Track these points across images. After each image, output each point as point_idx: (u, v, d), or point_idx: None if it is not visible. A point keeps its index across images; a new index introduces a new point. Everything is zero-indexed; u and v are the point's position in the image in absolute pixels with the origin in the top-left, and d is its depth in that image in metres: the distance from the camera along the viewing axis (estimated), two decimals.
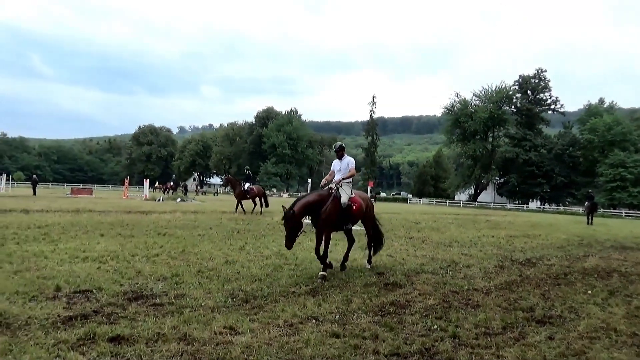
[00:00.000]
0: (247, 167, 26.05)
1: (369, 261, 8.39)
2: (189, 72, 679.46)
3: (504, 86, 69.45)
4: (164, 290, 5.88)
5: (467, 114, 68.46)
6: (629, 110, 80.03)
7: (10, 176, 52.17)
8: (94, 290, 5.73)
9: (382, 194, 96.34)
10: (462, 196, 76.90)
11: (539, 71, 71.07)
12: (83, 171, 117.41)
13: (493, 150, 70.00)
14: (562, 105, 71.80)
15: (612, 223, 32.07)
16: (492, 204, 66.78)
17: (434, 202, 72.93)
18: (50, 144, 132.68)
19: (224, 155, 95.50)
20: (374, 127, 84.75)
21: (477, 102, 70.64)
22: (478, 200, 71.71)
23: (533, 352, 4.27)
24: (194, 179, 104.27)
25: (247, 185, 21.04)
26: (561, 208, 60.21)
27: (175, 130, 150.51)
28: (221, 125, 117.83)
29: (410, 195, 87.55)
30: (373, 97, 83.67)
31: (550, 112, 72.86)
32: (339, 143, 8.05)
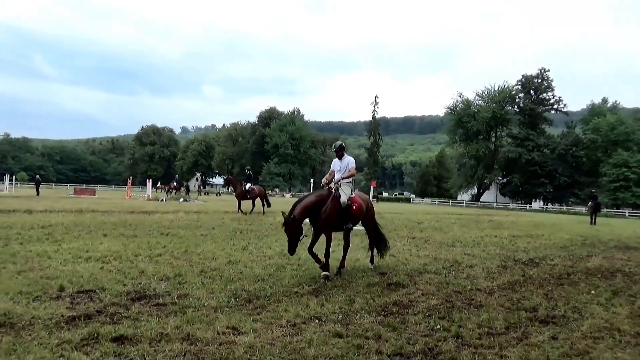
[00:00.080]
0: (248, 167, 26.09)
1: (372, 261, 8.38)
2: (191, 72, 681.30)
3: (506, 86, 69.32)
4: (167, 290, 5.89)
5: (469, 114, 68.34)
6: (632, 109, 79.70)
7: (14, 176, 52.37)
8: (97, 290, 5.75)
9: (385, 194, 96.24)
10: (464, 196, 76.79)
11: (542, 71, 70.92)
12: (86, 171, 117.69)
13: (496, 150, 69.86)
14: (565, 105, 71.60)
15: (616, 223, 31.97)
16: (494, 204, 66.64)
17: (436, 202, 72.90)
18: (53, 144, 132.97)
19: (226, 155, 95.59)
20: (377, 127, 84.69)
21: (480, 102, 70.55)
22: (481, 200, 71.59)
23: (536, 352, 4.26)
24: (197, 179, 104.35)
25: (248, 185, 21.07)
26: (564, 208, 60.08)
27: (177, 131, 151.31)
28: (224, 125, 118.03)
29: (412, 195, 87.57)
30: (375, 97, 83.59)
31: (553, 111, 72.62)
32: (338, 142, 8.02)
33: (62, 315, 4.67)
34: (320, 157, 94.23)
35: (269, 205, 21.80)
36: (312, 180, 43.00)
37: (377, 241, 8.47)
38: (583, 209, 48.88)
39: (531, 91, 70.70)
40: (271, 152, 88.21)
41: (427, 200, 77.57)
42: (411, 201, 77.46)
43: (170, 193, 42.00)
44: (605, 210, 48.03)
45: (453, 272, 8.20)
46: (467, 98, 71.45)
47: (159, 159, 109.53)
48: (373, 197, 17.83)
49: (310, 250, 7.09)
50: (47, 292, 5.54)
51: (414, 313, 5.41)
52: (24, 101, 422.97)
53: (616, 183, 56.08)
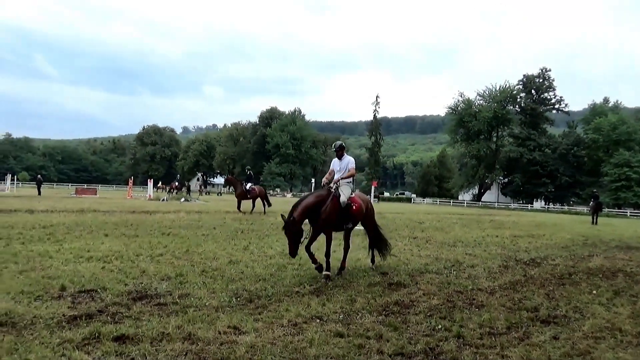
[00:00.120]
0: (249, 167, 26.12)
1: (372, 261, 8.37)
2: (192, 72, 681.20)
3: (508, 86, 69.28)
4: (168, 290, 5.89)
5: (471, 114, 68.31)
6: (634, 109, 79.50)
7: (15, 176, 52.48)
8: (98, 289, 5.76)
9: (386, 194, 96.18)
10: (466, 196, 76.75)
11: (543, 70, 70.87)
12: (87, 171, 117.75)
13: (497, 149, 69.81)
14: (566, 105, 71.57)
15: (617, 223, 31.95)
16: (496, 204, 66.60)
17: (437, 202, 72.85)
18: (55, 144, 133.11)
19: (227, 155, 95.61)
20: (378, 127, 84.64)
21: (481, 101, 70.54)
22: (482, 200, 71.55)
23: (538, 352, 4.26)
24: (198, 179, 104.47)
25: (248, 185, 21.09)
26: (566, 208, 60.07)
27: (179, 131, 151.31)
28: (225, 125, 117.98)
29: (414, 195, 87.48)
30: (377, 97, 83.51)
31: (554, 111, 72.60)
32: (338, 142, 7.99)
33: (63, 315, 4.68)
34: (322, 157, 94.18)
35: (269, 204, 21.84)
36: (313, 180, 42.98)
37: (377, 242, 8.44)
38: (584, 209, 48.86)
39: (532, 91, 70.64)
40: (272, 152, 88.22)
41: (428, 200, 77.52)
42: (412, 201, 77.41)
43: (172, 193, 42.04)
44: (606, 210, 48.01)
45: (454, 272, 8.20)
46: (469, 98, 71.49)
47: (160, 159, 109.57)
48: (374, 197, 17.82)
49: (307, 248, 7.05)
50: (48, 292, 5.55)
51: (415, 313, 5.41)
52: (26, 101, 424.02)
53: (618, 183, 56.03)
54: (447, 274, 7.97)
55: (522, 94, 70.88)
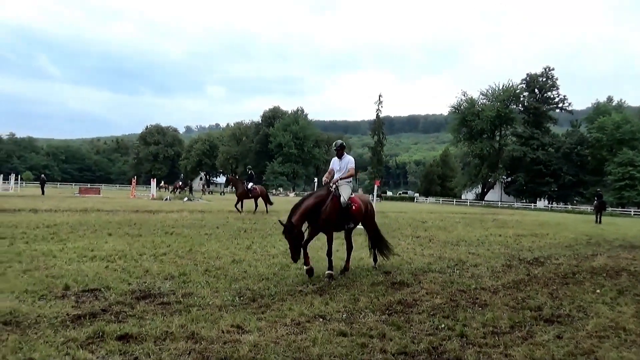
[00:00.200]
0: (250, 166, 26.10)
1: (375, 260, 8.34)
2: (195, 72, 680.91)
3: (511, 85, 69.16)
4: (171, 289, 5.91)
5: (474, 113, 68.18)
6: (637, 108, 79.38)
7: (19, 176, 52.58)
8: (102, 289, 5.77)
9: (389, 193, 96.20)
10: (469, 195, 76.64)
11: (547, 69, 70.65)
12: (91, 171, 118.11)
13: (500, 149, 69.67)
14: (570, 104, 71.35)
15: (621, 222, 31.85)
16: (499, 203, 66.50)
17: (440, 201, 72.75)
18: (59, 143, 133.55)
19: (230, 154, 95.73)
20: (381, 126, 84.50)
21: (484, 100, 70.40)
22: (485, 199, 71.43)
23: (541, 351, 4.25)
24: (201, 179, 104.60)
25: (250, 184, 21.09)
26: (569, 207, 59.92)
27: (181, 130, 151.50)
28: (227, 124, 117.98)
29: (417, 194, 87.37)
30: (379, 96, 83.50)
31: (558, 110, 72.37)
32: (339, 141, 7.95)
33: (67, 314, 4.70)
34: (324, 157, 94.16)
35: (270, 203, 21.87)
36: (315, 180, 42.88)
37: (378, 242, 8.38)
38: (588, 208, 48.74)
39: (536, 90, 70.44)
40: (275, 152, 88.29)
41: (431, 199, 77.41)
42: (415, 200, 77.35)
43: (175, 192, 42.11)
44: (610, 209, 47.88)
45: (457, 271, 8.19)
46: (471, 97, 71.36)
47: (163, 158, 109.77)
48: (377, 197, 17.81)
49: (304, 246, 6.97)
50: (52, 291, 5.57)
51: (419, 312, 5.40)
52: (29, 101, 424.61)
53: (621, 182, 55.86)
54: (450, 273, 7.96)
55: (526, 93, 70.70)
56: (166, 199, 32.77)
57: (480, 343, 4.41)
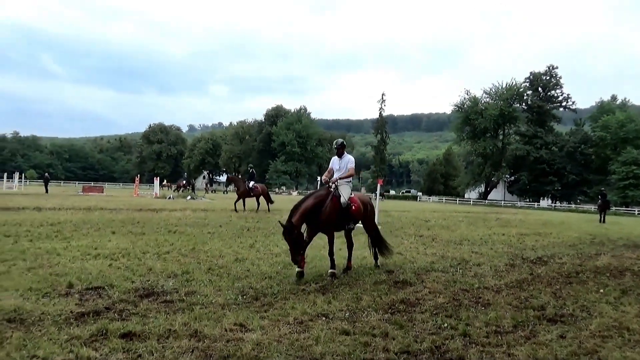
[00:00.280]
0: (251, 165, 26.04)
1: (375, 258, 8.27)
2: (198, 71, 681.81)
3: (514, 83, 68.99)
4: (174, 288, 5.92)
5: (477, 112, 68.06)
6: None
7: (23, 174, 52.81)
8: (105, 287, 5.79)
9: (392, 192, 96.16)
10: (472, 194, 76.52)
11: (550, 68, 70.51)
12: (94, 169, 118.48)
13: (503, 147, 69.53)
14: (573, 102, 71.24)
15: (625, 221, 31.74)
16: (502, 202, 66.34)
17: (443, 200, 72.68)
18: (62, 142, 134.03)
19: (233, 153, 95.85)
20: (384, 125, 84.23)
21: (488, 99, 70.28)
22: (488, 198, 71.28)
23: (544, 350, 4.24)
24: (204, 177, 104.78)
25: (251, 183, 21.08)
26: (573, 206, 59.75)
27: (185, 129, 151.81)
28: (231, 123, 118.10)
29: (420, 193, 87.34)
30: (382, 94, 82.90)
31: (561, 109, 72.25)
32: (340, 140, 7.85)
33: (71, 312, 4.71)
34: (327, 155, 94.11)
35: (271, 202, 21.86)
36: (318, 178, 42.88)
37: (378, 242, 8.30)
38: (592, 207, 48.57)
39: (539, 88, 70.32)
40: (278, 150, 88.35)
41: (434, 198, 77.34)
42: (418, 199, 77.24)
43: (179, 191, 42.19)
44: (614, 208, 47.71)
45: (460, 271, 8.17)
46: (475, 95, 71.27)
47: (166, 157, 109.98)
48: (380, 195, 17.77)
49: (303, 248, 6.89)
50: (56, 289, 5.58)
51: (421, 311, 5.40)
52: (33, 100, 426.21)
53: (625, 181, 55.68)
54: (453, 272, 7.95)
55: (529, 92, 70.63)
56: (169, 198, 32.83)
57: (483, 342, 4.40)
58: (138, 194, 37.76)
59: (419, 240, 12.58)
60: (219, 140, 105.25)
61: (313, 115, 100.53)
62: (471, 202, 66.90)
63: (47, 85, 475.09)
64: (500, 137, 70.69)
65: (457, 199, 72.31)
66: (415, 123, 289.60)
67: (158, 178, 40.05)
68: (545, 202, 66.20)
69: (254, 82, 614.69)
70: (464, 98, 71.56)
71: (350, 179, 7.67)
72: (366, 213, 7.98)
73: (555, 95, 70.85)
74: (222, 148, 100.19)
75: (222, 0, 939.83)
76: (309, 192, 10.46)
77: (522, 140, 67.71)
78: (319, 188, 7.38)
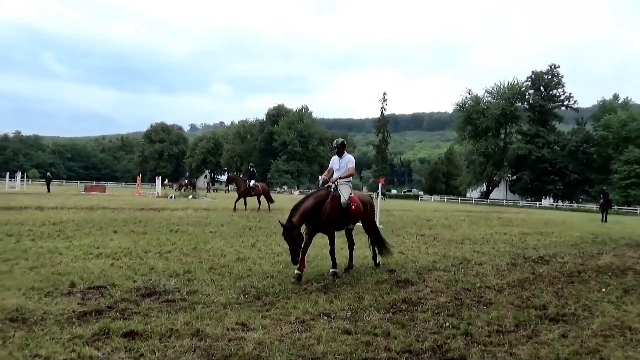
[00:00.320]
0: (252, 164, 25.99)
1: (374, 258, 8.21)
2: (199, 70, 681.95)
3: (516, 82, 68.94)
4: (176, 287, 5.92)
5: (479, 111, 68.00)
6: None
7: (25, 174, 52.90)
8: (107, 286, 5.80)
9: (394, 191, 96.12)
10: (473, 193, 76.44)
11: (552, 67, 70.36)
12: (96, 169, 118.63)
13: (505, 147, 69.47)
14: (575, 102, 71.15)
15: (627, 220, 31.66)
16: (504, 201, 66.29)
17: (445, 200, 72.58)
18: (64, 142, 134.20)
19: (235, 152, 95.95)
20: (385, 124, 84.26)
21: (489, 98, 70.21)
22: (490, 197, 71.23)
23: (546, 350, 4.24)
24: (205, 177, 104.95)
25: (252, 182, 21.04)
26: (575, 205, 59.64)
27: (186, 128, 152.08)
28: (232, 123, 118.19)
29: (421, 193, 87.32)
30: (384, 94, 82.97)
31: (563, 108, 72.11)
32: (340, 139, 7.79)
33: (73, 311, 4.72)
34: (329, 154, 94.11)
35: (272, 201, 21.85)
36: (320, 178, 42.87)
37: (378, 242, 8.25)
38: (594, 207, 48.50)
39: (541, 87, 70.18)
40: (279, 150, 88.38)
41: (435, 197, 77.28)
42: (420, 198, 77.20)
43: (181, 190, 42.25)
44: (616, 207, 47.65)
45: (462, 270, 8.17)
46: (476, 95, 71.24)
47: (168, 156, 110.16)
48: (381, 195, 17.78)
49: (303, 251, 6.81)
50: (58, 288, 5.60)
51: (423, 310, 5.40)
52: (35, 99, 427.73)
53: (627, 180, 55.55)
54: (455, 272, 7.94)
55: (531, 91, 70.48)
56: (171, 197, 32.86)
57: (485, 342, 4.40)
58: (140, 193, 37.82)
59: (421, 240, 12.57)
60: (221, 139, 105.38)
61: (314, 115, 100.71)
62: (473, 202, 66.84)
63: (48, 84, 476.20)
64: (502, 136, 70.62)
65: (459, 198, 72.21)
66: (417, 122, 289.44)
67: (160, 177, 40.10)
68: (547, 202, 66.12)
69: (256, 82, 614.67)
70: (466, 97, 71.63)
71: (350, 178, 7.63)
72: (366, 213, 7.91)
73: (557, 94, 70.71)
74: (223, 147, 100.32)
75: (223, 0, 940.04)
76: (310, 191, 10.41)
77: (524, 139, 67.60)
78: (319, 188, 7.30)
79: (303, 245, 6.79)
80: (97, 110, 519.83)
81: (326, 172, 7.75)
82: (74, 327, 4.25)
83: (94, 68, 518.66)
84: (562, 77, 70.25)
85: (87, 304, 5.01)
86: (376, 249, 8.25)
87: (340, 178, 7.41)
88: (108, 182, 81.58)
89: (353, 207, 7.27)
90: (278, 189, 78.88)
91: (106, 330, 4.16)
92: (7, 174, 44.86)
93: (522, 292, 6.61)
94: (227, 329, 4.37)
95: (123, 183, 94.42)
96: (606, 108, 67.74)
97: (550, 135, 66.69)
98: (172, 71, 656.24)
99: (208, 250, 8.90)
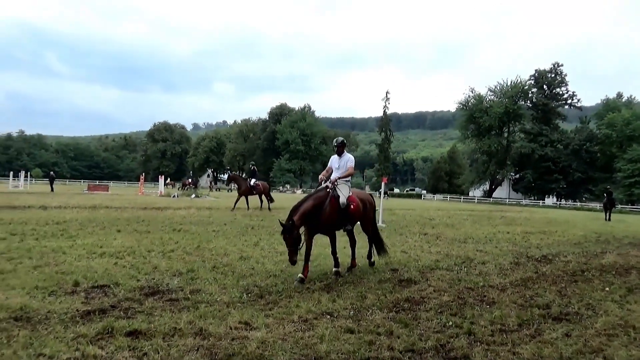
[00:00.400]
0: (253, 162, 25.95)
1: (369, 257, 8.09)
2: (202, 70, 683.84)
3: (519, 81, 68.74)
4: (179, 286, 5.94)
5: (482, 109, 67.87)
6: None
7: (29, 173, 53.06)
8: (111, 285, 5.81)
9: (396, 190, 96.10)
10: (476, 192, 76.34)
11: (555, 65, 70.13)
12: (99, 168, 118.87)
13: (508, 145, 69.30)
14: (579, 100, 70.90)
15: (631, 219, 31.55)
16: (507, 200, 66.18)
17: (448, 199, 72.52)
18: (67, 141, 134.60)
19: (237, 151, 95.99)
20: (388, 123, 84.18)
21: (492, 97, 70.07)
22: (493, 196, 71.11)
23: (549, 349, 4.23)
24: (208, 176, 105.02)
25: (252, 181, 21.03)
26: (578, 204, 59.44)
27: (189, 127, 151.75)
28: (235, 122, 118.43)
29: (424, 191, 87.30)
30: (387, 92, 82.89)
31: (566, 107, 71.89)
32: (340, 138, 7.71)
33: (77, 310, 4.74)
34: (331, 153, 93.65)
35: (272, 200, 21.83)
36: (319, 177, 42.79)
37: (376, 241, 8.15)
38: (597, 205, 48.33)
39: (544, 86, 69.99)
40: (282, 149, 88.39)
41: (438, 196, 77.19)
42: (422, 197, 77.18)
43: (184, 189, 42.26)
44: (620, 206, 47.45)
45: (465, 269, 8.16)
46: (479, 93, 71.12)
47: (170, 155, 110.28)
48: (384, 194, 17.77)
49: (306, 256, 6.74)
50: (62, 287, 5.61)
51: (426, 309, 5.39)
52: (38, 99, 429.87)
53: (631, 179, 55.38)
54: (458, 271, 7.93)
55: (534, 89, 70.28)
56: (174, 196, 32.92)
57: (488, 341, 4.39)
58: (143, 192, 37.89)
59: (424, 239, 12.56)
60: (223, 138, 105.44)
61: (317, 114, 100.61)
62: (476, 200, 66.71)
63: (51, 83, 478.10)
64: (505, 134, 70.48)
65: (462, 197, 72.12)
66: (420, 121, 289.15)
67: (163, 176, 40.15)
68: (550, 200, 66.00)
69: (258, 81, 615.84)
70: (469, 96, 71.49)
71: (350, 177, 7.57)
72: (365, 211, 7.78)
73: (561, 92, 70.50)
74: (226, 146, 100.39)
75: None
76: (312, 190, 10.38)
77: (527, 138, 67.42)
78: (318, 188, 7.23)
79: (305, 248, 6.73)
80: (99, 109, 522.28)
81: (325, 171, 7.66)
82: (77, 326, 4.27)
83: (96, 67, 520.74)
84: (565, 75, 70.12)
85: (91, 303, 5.02)
86: (373, 248, 8.15)
87: (339, 178, 7.33)
88: (111, 181, 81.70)
89: (352, 206, 7.18)
90: (280, 187, 78.92)
91: (110, 329, 4.17)
92: (11, 173, 44.98)
93: (525, 291, 6.59)
94: (230, 328, 4.38)
95: (126, 182, 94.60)
96: (610, 106, 67.50)
97: (553, 133, 66.52)
98: (175, 70, 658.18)
99: (211, 249, 8.92)
